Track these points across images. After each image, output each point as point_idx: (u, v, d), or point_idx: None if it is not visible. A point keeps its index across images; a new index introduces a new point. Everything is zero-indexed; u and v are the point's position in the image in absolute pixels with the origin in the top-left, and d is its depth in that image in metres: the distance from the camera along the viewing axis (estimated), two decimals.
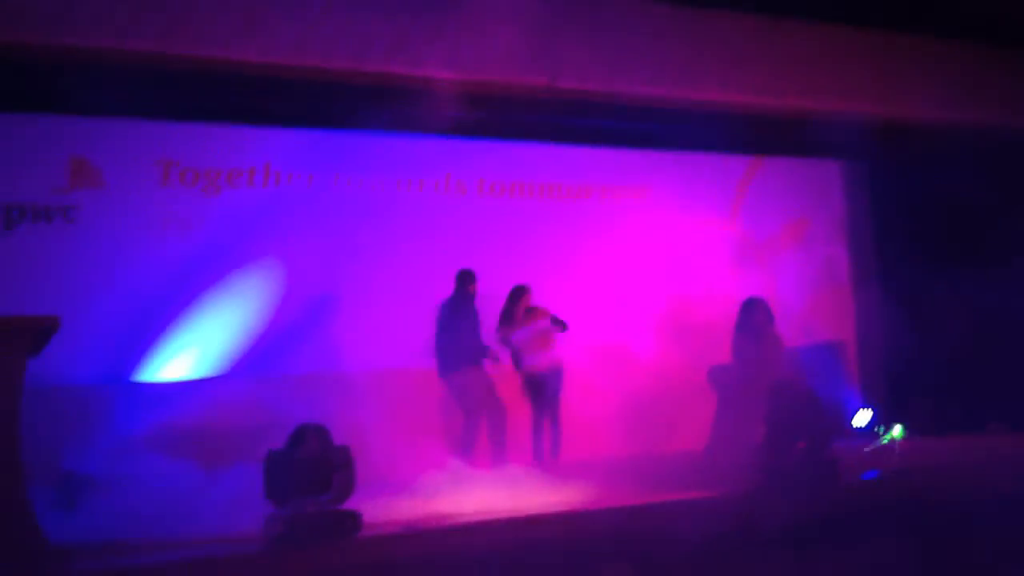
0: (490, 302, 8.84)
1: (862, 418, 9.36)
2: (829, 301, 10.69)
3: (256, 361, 8.20)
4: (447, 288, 8.30)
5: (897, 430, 8.91)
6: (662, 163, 10.22)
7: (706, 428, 8.58)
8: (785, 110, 10.22)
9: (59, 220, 7.89)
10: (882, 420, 9.31)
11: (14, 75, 7.54)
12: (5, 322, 5.80)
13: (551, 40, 9.14)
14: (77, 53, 7.45)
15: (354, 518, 5.72)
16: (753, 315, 8.81)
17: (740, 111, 9.96)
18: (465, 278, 8.30)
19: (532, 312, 8.49)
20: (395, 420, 7.69)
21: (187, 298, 8.07)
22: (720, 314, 9.52)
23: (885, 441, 8.89)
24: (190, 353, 8.06)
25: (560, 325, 8.46)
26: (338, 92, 8.51)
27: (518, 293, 8.52)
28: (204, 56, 7.86)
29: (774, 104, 10.17)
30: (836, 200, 11.28)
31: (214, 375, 8.14)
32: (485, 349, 8.20)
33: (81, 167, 8.01)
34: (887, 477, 7.52)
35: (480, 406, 8.11)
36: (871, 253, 10.81)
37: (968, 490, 6.93)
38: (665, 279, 10.05)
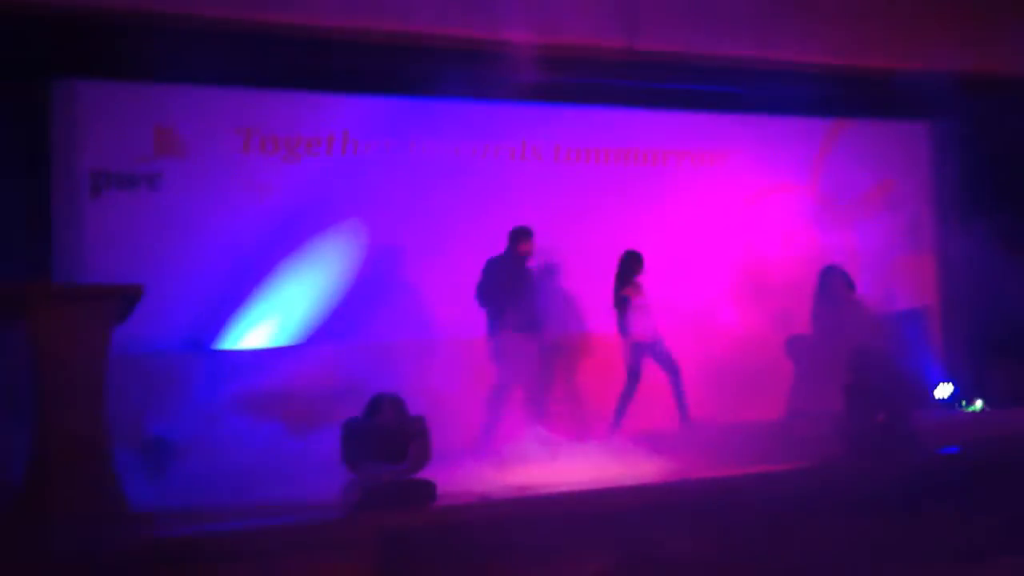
0: (567, 270, 8.86)
1: (944, 390, 9.20)
2: (913, 267, 10.45)
3: (334, 329, 8.27)
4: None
5: (978, 403, 8.74)
6: (742, 127, 10.02)
7: (785, 397, 8.52)
8: (868, 69, 9.99)
9: (143, 188, 8.03)
10: (964, 392, 9.14)
11: (100, 43, 7.67)
12: (91, 290, 5.99)
13: (626, 1, 9.04)
14: (162, 19, 7.58)
15: (429, 487, 5.80)
16: (832, 282, 8.71)
17: (822, 71, 9.75)
18: (515, 237, 8.27)
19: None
20: (471, 389, 7.75)
21: (267, 266, 8.16)
22: (800, 281, 9.40)
23: (967, 412, 8.73)
24: (269, 321, 8.17)
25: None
26: (415, 56, 8.53)
27: (637, 260, 8.51)
28: (285, 22, 7.96)
29: (857, 63, 9.95)
30: (922, 161, 10.98)
31: (293, 343, 8.24)
32: (536, 314, 8.15)
33: (165, 135, 8.13)
34: (968, 449, 7.38)
35: (518, 374, 8.07)
36: (957, 217, 10.51)
37: None
38: (745, 245, 9.92)
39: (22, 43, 7.30)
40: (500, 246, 8.33)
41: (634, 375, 8.39)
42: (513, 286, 8.12)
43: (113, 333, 5.55)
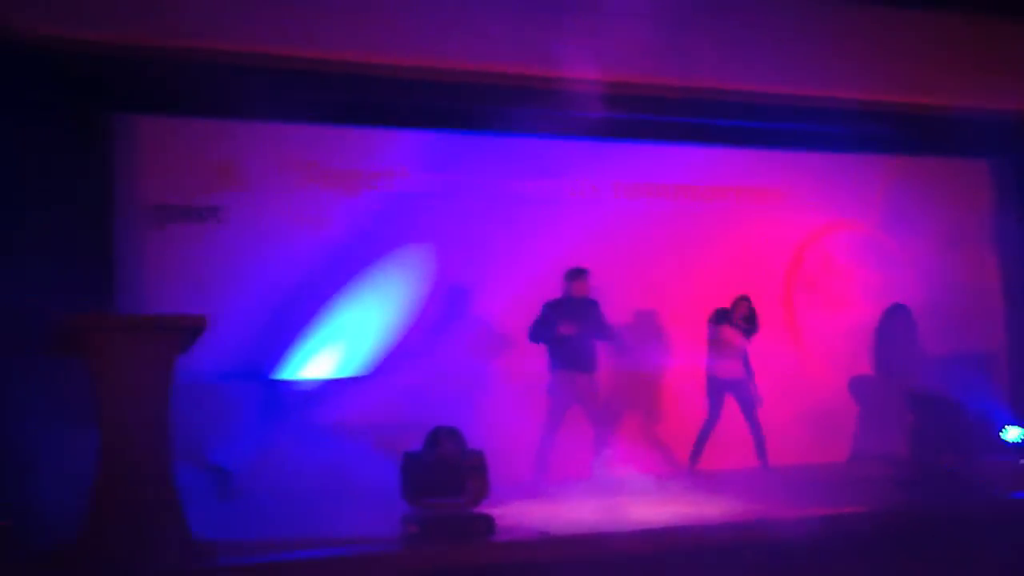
0: (622, 306, 8.81)
1: (1012, 433, 8.98)
2: (977, 306, 10.27)
3: (393, 362, 8.28)
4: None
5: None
6: (801, 163, 9.95)
7: (848, 439, 8.39)
8: (931, 107, 9.89)
9: (205, 221, 8.14)
10: None
11: (163, 79, 7.82)
12: (155, 321, 6.04)
13: (685, 38, 9.04)
14: (224, 56, 7.70)
15: (487, 521, 5.77)
16: (895, 323, 8.60)
17: (883, 109, 9.68)
18: (569, 277, 8.24)
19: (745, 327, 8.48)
20: (530, 424, 7.71)
21: (326, 298, 8.21)
22: (862, 321, 9.29)
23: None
24: (329, 353, 8.21)
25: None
26: (473, 93, 8.58)
27: (740, 304, 8.52)
28: (345, 59, 8.05)
29: (919, 101, 9.86)
30: (984, 201, 10.83)
31: (352, 375, 8.26)
32: (589, 353, 8.12)
33: (226, 169, 8.24)
34: None
35: (569, 411, 8.02)
36: (1021, 256, 10.34)
37: None
38: (804, 284, 9.83)
39: (87, 79, 7.45)
40: (555, 280, 8.32)
41: (712, 415, 8.34)
42: (571, 322, 8.06)
43: (177, 363, 5.60)
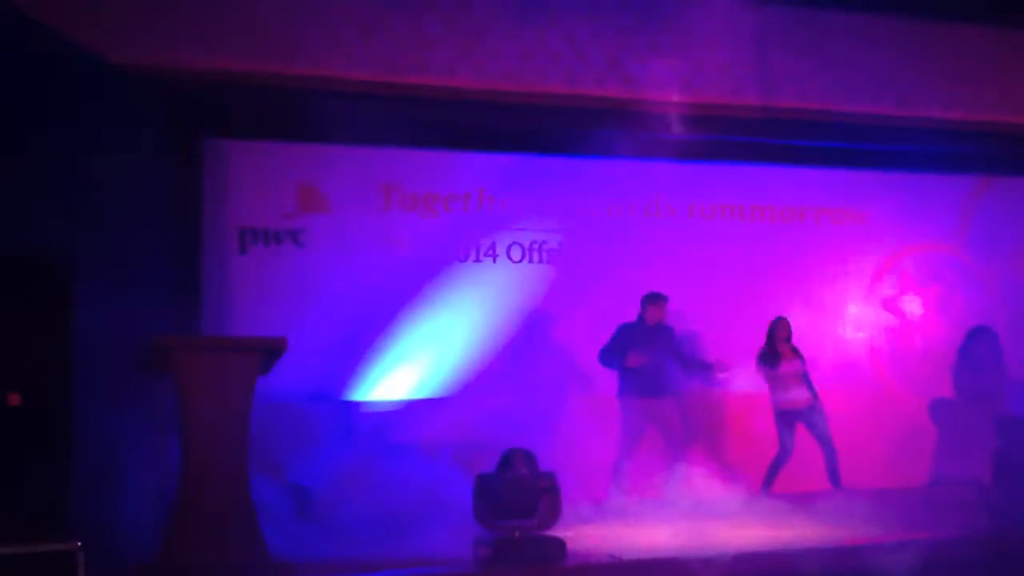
0: (695, 326, 8.78)
1: None
2: None
3: (469, 384, 8.36)
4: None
5: None
6: (883, 184, 9.82)
7: (929, 463, 8.25)
8: (1014, 125, 9.73)
9: (288, 243, 8.30)
10: None
11: (249, 103, 8.02)
12: (237, 342, 6.23)
13: (767, 58, 9.02)
14: (306, 82, 7.89)
15: (559, 544, 5.80)
16: (978, 346, 8.44)
17: (967, 128, 9.55)
18: (645, 302, 8.26)
19: (791, 347, 8.37)
20: (605, 446, 7.72)
21: (405, 320, 8.31)
22: (945, 343, 9.13)
23: None
24: (406, 374, 8.31)
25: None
26: (552, 116, 8.65)
27: (781, 325, 8.43)
28: (425, 83, 8.19)
29: (1003, 120, 9.70)
30: None
31: (428, 396, 8.35)
32: (661, 379, 8.10)
33: (309, 193, 8.41)
34: None
35: (641, 436, 8.02)
36: None
37: None
38: (887, 305, 9.70)
39: (177, 105, 7.65)
40: (632, 302, 8.34)
41: (784, 447, 8.22)
42: (641, 351, 8.06)
43: (257, 383, 5.75)
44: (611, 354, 8.11)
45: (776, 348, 8.32)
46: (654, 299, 8.24)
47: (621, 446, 7.94)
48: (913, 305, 9.80)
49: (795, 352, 8.35)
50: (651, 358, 8.02)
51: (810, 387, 8.31)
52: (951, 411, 8.37)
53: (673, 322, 8.39)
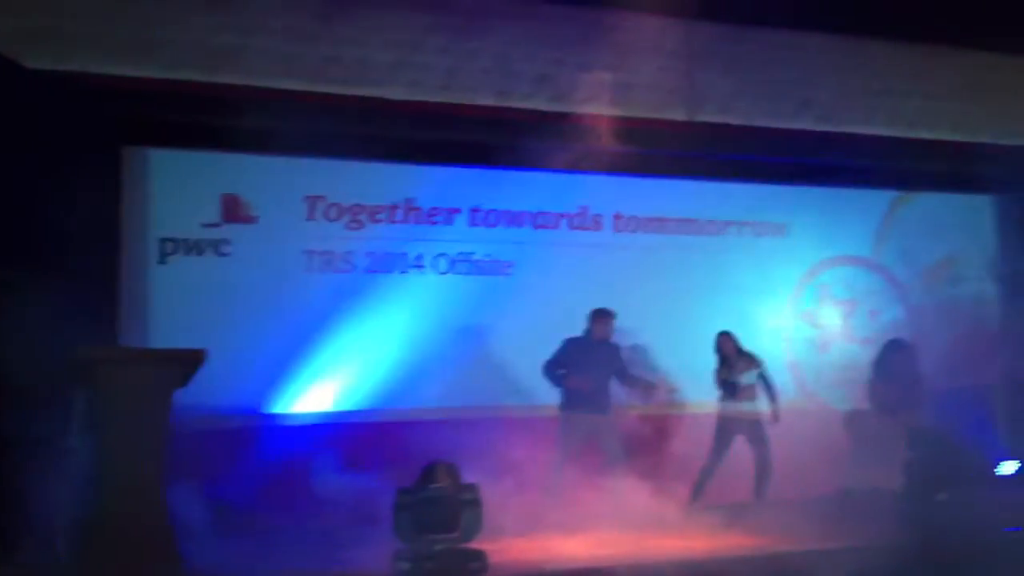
0: (627, 338, 8.86)
1: (1008, 467, 8.97)
2: (976, 343, 10.28)
3: (390, 396, 8.33)
4: (582, 325, 8.34)
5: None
6: (804, 198, 10.00)
7: (841, 474, 8.38)
8: (935, 143, 9.97)
9: (210, 254, 8.21)
10: None
11: (172, 112, 7.93)
12: (155, 354, 6.16)
13: (693, 74, 9.15)
14: (231, 92, 7.83)
15: (480, 557, 5.81)
16: (893, 357, 8.60)
17: (887, 145, 9.76)
18: (591, 317, 8.30)
19: (745, 356, 8.45)
20: (530, 460, 7.73)
21: (329, 332, 8.25)
22: (861, 354, 9.31)
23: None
24: (329, 387, 8.25)
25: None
26: (479, 128, 8.68)
27: (721, 341, 8.48)
28: (353, 95, 8.17)
29: (923, 137, 9.94)
30: (987, 237, 10.85)
31: (350, 409, 8.31)
32: (603, 395, 8.16)
33: (233, 203, 8.33)
34: None
35: (579, 450, 8.03)
36: (1022, 291, 10.36)
37: None
38: (806, 318, 9.88)
39: (97, 113, 7.55)
40: (557, 314, 8.39)
41: (718, 457, 8.28)
42: (583, 370, 8.10)
43: (176, 396, 5.69)
44: (552, 373, 8.15)
45: (730, 362, 8.39)
46: (600, 315, 8.28)
47: (558, 459, 7.95)
48: (832, 317, 9.99)
49: (752, 361, 8.42)
50: (594, 377, 8.07)
51: (756, 402, 8.40)
52: (866, 422, 8.53)
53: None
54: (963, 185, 10.44)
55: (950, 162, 10.00)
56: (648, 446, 8.64)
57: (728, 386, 8.34)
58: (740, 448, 8.32)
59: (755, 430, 8.30)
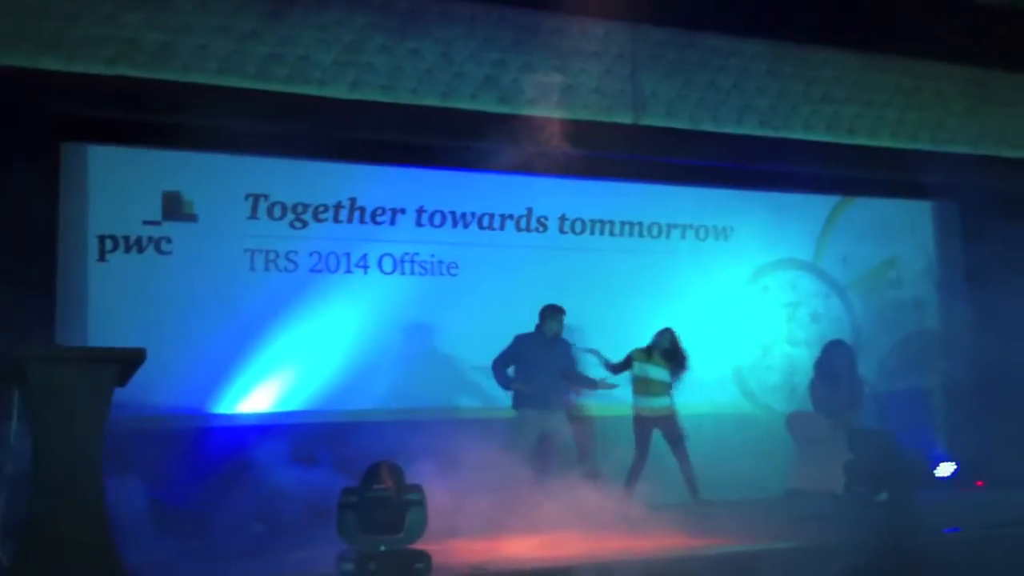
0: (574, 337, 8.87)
1: (946, 469, 9.14)
2: (915, 345, 10.45)
3: (335, 397, 8.29)
4: (527, 325, 8.32)
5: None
6: (746, 202, 10.08)
7: (783, 476, 8.46)
8: (874, 150, 10.14)
9: (151, 252, 8.08)
10: (966, 471, 9.07)
11: (112, 109, 7.84)
12: (90, 353, 6.02)
13: (638, 77, 9.20)
14: (173, 87, 7.74)
15: (423, 557, 5.76)
16: (834, 359, 8.69)
17: (827, 151, 9.90)
18: (541, 315, 8.30)
19: (675, 356, 8.46)
20: (475, 461, 7.70)
21: (272, 331, 8.19)
22: (802, 357, 9.41)
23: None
24: (273, 387, 8.19)
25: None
26: (424, 129, 8.66)
27: (658, 335, 8.49)
28: (296, 93, 8.11)
29: (864, 143, 10.10)
30: (926, 241, 11.04)
31: (293, 409, 8.25)
32: (555, 392, 8.17)
33: (174, 200, 8.22)
34: (969, 532, 7.32)
35: (525, 448, 8.01)
36: (962, 297, 10.54)
37: None
38: (748, 320, 9.96)
39: (34, 108, 7.41)
40: (502, 312, 8.38)
41: (640, 453, 8.31)
42: (535, 362, 8.11)
43: (114, 397, 5.58)
44: (500, 374, 8.14)
45: (650, 355, 8.42)
46: (553, 311, 8.27)
47: (509, 458, 7.90)
48: (774, 320, 10.09)
49: (665, 361, 8.44)
50: (546, 373, 8.07)
51: (672, 401, 8.43)
52: (807, 424, 8.61)
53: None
54: (903, 191, 10.61)
55: (889, 168, 10.17)
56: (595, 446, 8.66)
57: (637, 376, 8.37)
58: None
59: (670, 427, 8.34)
